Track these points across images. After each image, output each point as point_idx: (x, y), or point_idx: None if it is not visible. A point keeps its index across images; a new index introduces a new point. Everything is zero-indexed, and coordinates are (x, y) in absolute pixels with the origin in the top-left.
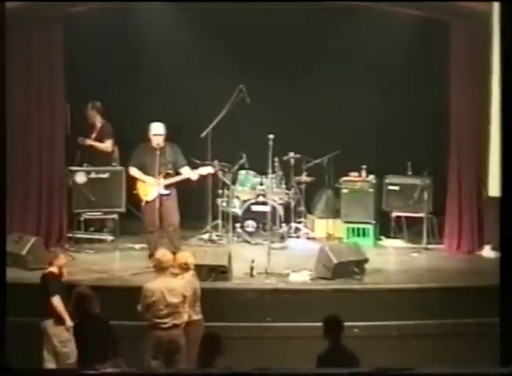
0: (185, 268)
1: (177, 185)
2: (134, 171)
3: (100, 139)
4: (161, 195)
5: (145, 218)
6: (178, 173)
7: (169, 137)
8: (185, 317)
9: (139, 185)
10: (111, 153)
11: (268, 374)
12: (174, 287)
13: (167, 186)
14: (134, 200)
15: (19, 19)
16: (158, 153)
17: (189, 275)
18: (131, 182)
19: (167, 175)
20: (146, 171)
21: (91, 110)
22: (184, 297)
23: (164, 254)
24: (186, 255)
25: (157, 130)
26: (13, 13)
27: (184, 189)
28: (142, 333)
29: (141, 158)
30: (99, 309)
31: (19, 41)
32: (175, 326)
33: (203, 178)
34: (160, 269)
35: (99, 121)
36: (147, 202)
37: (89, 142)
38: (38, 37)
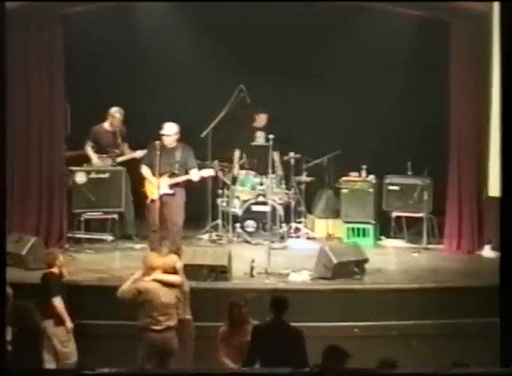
0: (171, 272)
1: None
2: (144, 170)
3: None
4: (164, 194)
5: (149, 216)
6: (186, 174)
7: (182, 138)
8: (176, 319)
9: (147, 183)
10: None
11: (268, 373)
12: (168, 288)
13: (171, 186)
14: (138, 199)
15: (19, 19)
16: (158, 152)
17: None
18: (141, 180)
19: (172, 175)
20: (152, 169)
21: (115, 117)
22: (177, 298)
23: (153, 256)
24: (174, 260)
25: (165, 130)
26: (13, 13)
27: (184, 190)
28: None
29: (150, 157)
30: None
31: (19, 41)
32: (169, 328)
33: (203, 178)
34: (148, 269)
35: (120, 126)
36: (152, 201)
37: (124, 157)
38: (38, 37)
